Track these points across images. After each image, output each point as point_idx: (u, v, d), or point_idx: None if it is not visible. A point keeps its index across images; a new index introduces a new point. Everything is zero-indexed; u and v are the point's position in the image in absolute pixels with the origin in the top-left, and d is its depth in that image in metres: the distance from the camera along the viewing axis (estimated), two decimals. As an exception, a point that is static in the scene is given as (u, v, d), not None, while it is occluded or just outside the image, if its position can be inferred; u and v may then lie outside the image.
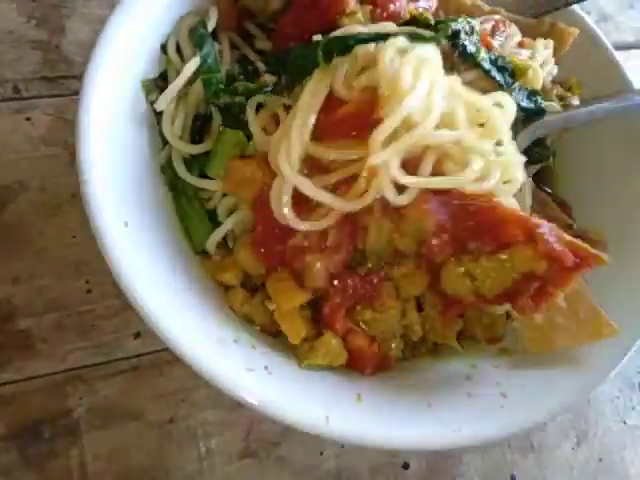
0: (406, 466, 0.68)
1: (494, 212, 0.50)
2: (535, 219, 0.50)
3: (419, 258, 0.54)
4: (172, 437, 0.63)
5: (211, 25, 0.62)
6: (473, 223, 0.50)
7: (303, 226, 0.51)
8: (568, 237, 0.50)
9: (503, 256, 0.49)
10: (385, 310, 0.55)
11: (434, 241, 0.50)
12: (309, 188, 0.51)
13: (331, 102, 0.53)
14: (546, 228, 0.49)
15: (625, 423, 0.78)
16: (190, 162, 0.60)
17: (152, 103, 0.59)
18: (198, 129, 0.61)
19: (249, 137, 0.58)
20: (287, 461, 0.65)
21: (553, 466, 0.73)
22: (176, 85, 0.59)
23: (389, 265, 0.55)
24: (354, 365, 0.55)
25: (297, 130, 0.52)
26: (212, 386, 0.46)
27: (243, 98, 0.59)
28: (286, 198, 0.51)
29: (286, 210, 0.51)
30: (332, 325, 0.54)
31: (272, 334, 0.57)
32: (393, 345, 0.57)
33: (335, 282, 0.54)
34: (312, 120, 0.51)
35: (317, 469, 0.66)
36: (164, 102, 0.59)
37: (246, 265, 0.56)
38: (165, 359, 0.66)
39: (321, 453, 0.66)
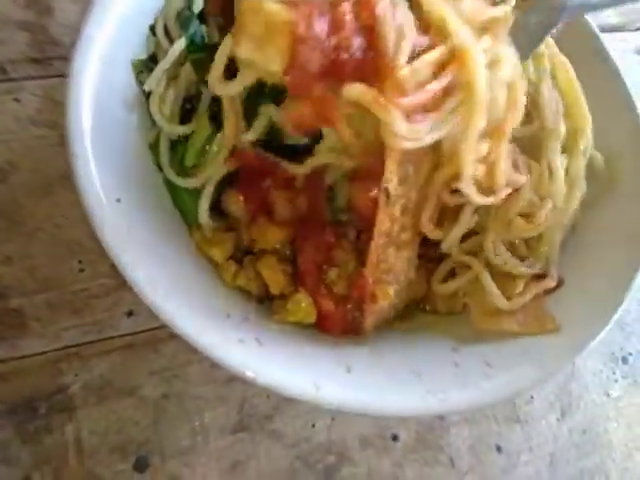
0: (395, 438, 0.70)
1: None
2: None
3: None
4: (166, 412, 0.65)
5: (197, 7, 0.62)
6: None
7: None
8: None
9: None
10: (343, 263, 0.57)
11: None
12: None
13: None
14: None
15: (608, 395, 0.80)
16: (177, 143, 0.60)
17: (142, 84, 0.60)
18: (188, 110, 0.61)
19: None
20: (280, 434, 0.67)
21: (538, 437, 0.75)
22: (164, 65, 0.59)
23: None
24: (323, 324, 0.57)
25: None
26: (205, 361, 0.48)
27: None
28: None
29: None
30: (303, 279, 0.56)
31: (263, 300, 0.58)
32: None
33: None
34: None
35: (309, 441, 0.67)
36: (153, 82, 0.59)
37: (234, 212, 0.58)
38: (158, 337, 0.67)
39: (313, 425, 0.68)
